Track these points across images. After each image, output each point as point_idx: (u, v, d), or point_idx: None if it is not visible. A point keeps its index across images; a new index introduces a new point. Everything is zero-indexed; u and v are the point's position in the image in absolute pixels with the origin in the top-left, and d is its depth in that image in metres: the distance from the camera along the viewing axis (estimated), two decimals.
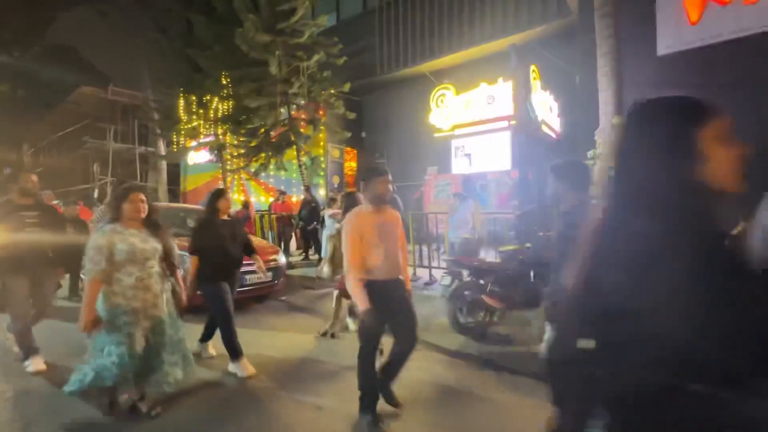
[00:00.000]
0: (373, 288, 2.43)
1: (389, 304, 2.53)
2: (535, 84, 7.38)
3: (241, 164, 12.37)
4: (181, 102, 13.08)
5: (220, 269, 3.35)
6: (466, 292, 4.16)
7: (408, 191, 9.66)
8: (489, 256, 5.55)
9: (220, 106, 11.76)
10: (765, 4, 5.97)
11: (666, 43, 6.70)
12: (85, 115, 18.62)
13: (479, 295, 4.12)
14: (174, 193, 18.98)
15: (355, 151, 13.37)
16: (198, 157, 17.29)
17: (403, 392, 2.82)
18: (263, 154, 10.96)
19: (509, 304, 4.34)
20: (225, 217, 3.51)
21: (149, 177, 18.20)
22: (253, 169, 11.66)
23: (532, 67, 7.35)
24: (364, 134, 13.39)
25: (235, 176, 15.13)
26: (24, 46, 24.22)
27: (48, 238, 3.42)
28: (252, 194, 14.97)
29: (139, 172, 17.68)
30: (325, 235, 6.38)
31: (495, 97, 10.21)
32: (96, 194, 15.12)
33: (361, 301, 2.37)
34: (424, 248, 6.73)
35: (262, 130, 10.81)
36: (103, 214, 3.87)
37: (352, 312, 4.42)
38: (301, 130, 9.93)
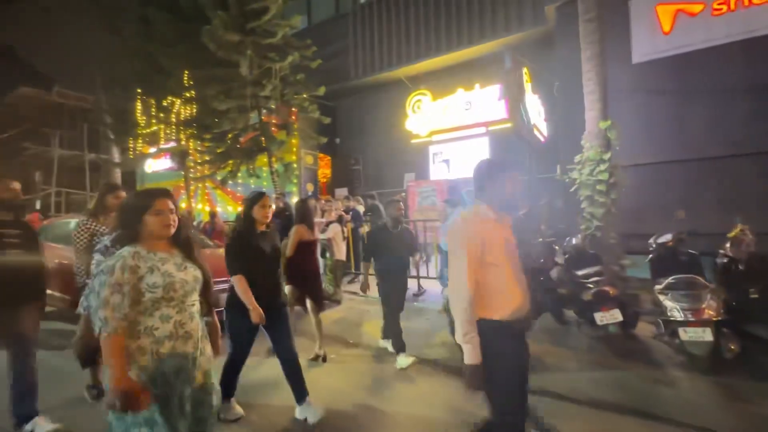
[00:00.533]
0: (505, 335, 1.71)
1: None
2: (527, 86, 7.35)
3: (206, 172, 11.59)
4: (139, 105, 12.12)
5: (260, 294, 2.63)
6: None
7: (386, 198, 9.34)
8: None
9: (182, 110, 10.95)
10: (731, 15, 6.27)
11: (641, 51, 6.88)
12: (26, 119, 16.87)
13: None
14: None
15: (329, 158, 12.92)
16: (157, 164, 16.14)
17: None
18: (231, 161, 10.28)
19: None
20: (263, 228, 2.82)
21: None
22: (219, 177, 10.93)
23: (525, 69, 7.32)
24: (338, 140, 12.99)
25: (199, 185, 14.22)
26: None
27: (32, 263, 2.73)
28: (218, 204, 14.09)
29: (89, 181, 16.19)
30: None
31: (472, 102, 10.19)
32: (38, 206, 13.62)
33: (472, 356, 1.64)
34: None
35: (230, 135, 10.15)
36: (87, 229, 2.96)
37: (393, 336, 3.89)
38: (274, 134, 9.38)
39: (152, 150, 13.93)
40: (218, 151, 9.92)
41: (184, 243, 1.78)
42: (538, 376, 3.18)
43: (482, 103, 10.01)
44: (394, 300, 3.96)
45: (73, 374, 3.16)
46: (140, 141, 12.57)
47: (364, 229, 7.43)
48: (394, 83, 11.55)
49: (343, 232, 6.44)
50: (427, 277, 6.32)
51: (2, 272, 2.56)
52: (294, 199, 11.56)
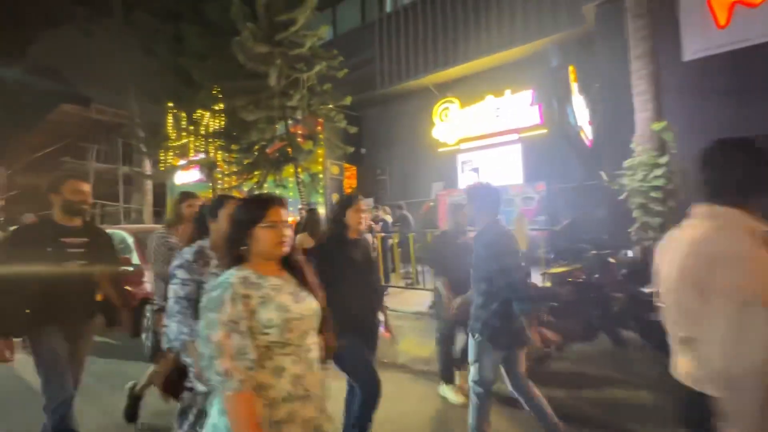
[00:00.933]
0: None
1: None
2: (573, 87, 6.95)
3: (233, 183, 11.66)
4: (170, 118, 12.43)
5: (355, 310, 2.15)
6: None
7: (413, 209, 9.03)
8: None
9: (211, 122, 11.12)
10: None
11: (693, 48, 6.39)
12: (66, 134, 17.67)
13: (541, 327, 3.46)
14: (160, 216, 17.99)
15: (355, 168, 12.79)
16: (186, 177, 16.49)
17: None
18: (258, 172, 10.28)
19: (567, 336, 3.71)
20: (356, 236, 2.38)
21: (133, 199, 17.25)
22: (246, 188, 10.96)
23: (570, 68, 6.94)
24: (363, 150, 12.85)
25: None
26: (5, 66, 23.37)
27: (99, 274, 2.40)
28: None
29: (122, 194, 16.69)
30: None
31: (502, 109, 9.85)
32: None
33: None
34: None
35: (257, 147, 10.18)
36: (166, 243, 2.68)
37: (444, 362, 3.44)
38: (301, 144, 9.30)
39: (182, 162, 14.28)
40: (246, 162, 9.92)
41: (293, 264, 1.36)
42: (611, 410, 2.77)
43: (513, 109, 9.65)
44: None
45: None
46: (170, 154, 12.87)
47: (393, 239, 7.15)
48: (420, 92, 11.35)
49: (372, 243, 6.19)
50: None
51: (57, 287, 2.20)
52: (321, 209, 11.46)
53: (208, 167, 12.45)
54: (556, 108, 6.53)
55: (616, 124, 6.44)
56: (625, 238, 5.30)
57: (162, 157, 12.84)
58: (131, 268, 4.46)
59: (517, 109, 9.58)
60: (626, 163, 5.36)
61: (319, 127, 10.41)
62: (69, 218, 2.32)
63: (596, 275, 4.31)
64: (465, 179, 10.09)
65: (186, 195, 2.86)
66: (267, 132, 8.90)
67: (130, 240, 4.78)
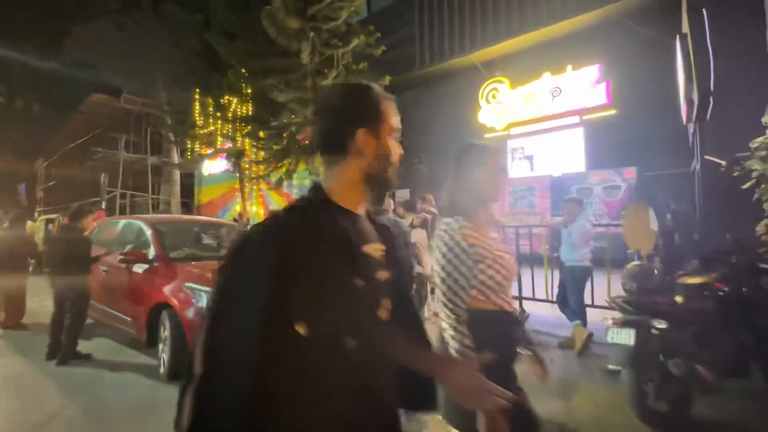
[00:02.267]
0: None
1: None
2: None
3: (261, 172, 11.02)
4: (197, 105, 11.91)
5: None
6: (672, 360, 2.50)
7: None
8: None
9: (239, 107, 10.47)
10: None
11: None
12: (97, 125, 17.63)
13: (691, 362, 2.47)
14: (188, 207, 17.75)
15: None
16: (213, 167, 16.10)
17: None
18: (287, 161, 9.53)
19: (719, 371, 2.71)
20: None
21: (162, 190, 17.04)
22: (274, 178, 10.26)
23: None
24: (401, 138, 11.91)
25: (254, 186, 13.81)
26: (40, 59, 23.84)
27: None
28: (271, 206, 13.57)
29: (150, 184, 16.47)
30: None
31: (562, 88, 8.67)
32: (103, 206, 13.90)
33: None
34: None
35: (285, 135, 9.43)
36: None
37: None
38: None
39: (210, 151, 13.83)
40: (275, 147, 9.20)
41: None
42: None
43: (575, 87, 8.46)
44: None
45: None
46: (198, 142, 12.40)
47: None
48: (465, 71, 10.28)
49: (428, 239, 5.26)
50: (534, 298, 4.94)
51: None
52: None
53: (236, 156, 11.87)
54: (684, 82, 5.33)
55: (724, 100, 5.22)
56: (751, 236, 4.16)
57: (189, 146, 12.34)
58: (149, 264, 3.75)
59: (579, 87, 8.38)
60: (755, 143, 4.20)
61: None
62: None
63: (744, 287, 3.23)
64: (516, 169, 8.99)
65: None
66: (299, 114, 8.10)
67: (149, 232, 4.08)
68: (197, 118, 11.86)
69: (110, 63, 21.65)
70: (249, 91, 9.47)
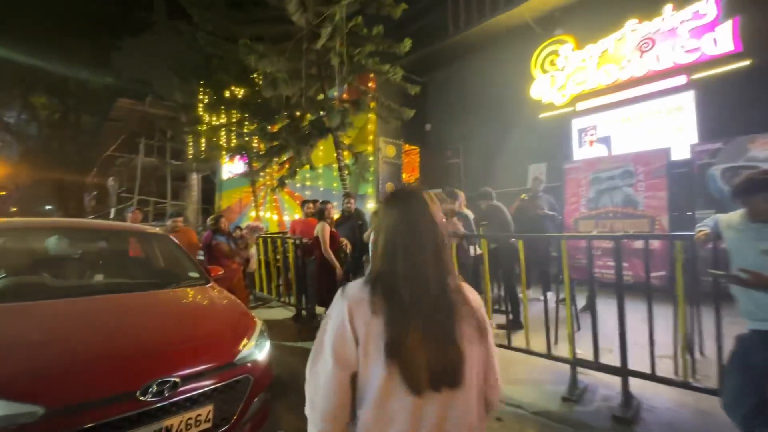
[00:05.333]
0: None
1: None
2: None
3: (275, 174, 9.46)
4: (201, 96, 10.70)
5: None
6: None
7: (505, 200, 5.73)
8: None
9: (238, 92, 8.98)
10: None
11: None
12: (123, 129, 17.30)
13: None
14: (208, 213, 16.78)
15: (417, 149, 9.73)
16: (232, 170, 14.98)
17: None
18: (284, 155, 7.75)
19: None
20: None
21: (183, 196, 16.21)
22: (277, 177, 8.57)
23: None
24: (428, 127, 9.75)
25: (268, 190, 12.32)
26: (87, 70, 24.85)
27: None
28: (285, 211, 11.92)
29: (169, 190, 15.63)
30: None
31: (656, 39, 6.06)
32: (112, 214, 13.09)
33: None
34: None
35: (277, 126, 7.69)
36: None
37: None
38: (335, 106, 6.48)
39: (222, 154, 12.60)
40: (270, 129, 7.47)
41: None
42: None
43: (678, 35, 5.83)
44: None
45: None
46: (204, 136, 11.19)
47: (483, 247, 3.94)
48: (511, 33, 7.93)
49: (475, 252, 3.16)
50: (652, 375, 2.55)
51: None
52: (369, 204, 8.63)
53: (239, 152, 10.41)
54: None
55: None
56: None
57: (190, 142, 11.11)
58: None
59: (686, 33, 5.75)
60: None
61: (371, 84, 7.55)
62: None
63: None
64: (588, 155, 6.46)
65: None
66: (286, 88, 6.22)
67: None
68: (201, 113, 10.60)
69: (136, 69, 21.84)
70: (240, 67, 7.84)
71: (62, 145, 29.87)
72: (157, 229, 3.74)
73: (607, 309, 2.80)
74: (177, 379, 1.84)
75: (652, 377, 2.50)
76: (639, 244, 3.31)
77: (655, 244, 3.11)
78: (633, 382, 2.65)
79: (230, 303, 2.71)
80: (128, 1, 23.76)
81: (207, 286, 2.97)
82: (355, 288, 0.92)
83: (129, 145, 17.25)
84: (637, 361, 2.65)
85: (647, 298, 2.58)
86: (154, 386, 1.76)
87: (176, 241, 3.97)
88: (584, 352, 2.99)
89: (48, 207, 29.22)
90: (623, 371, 2.56)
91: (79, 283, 2.56)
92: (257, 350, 2.35)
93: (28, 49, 23.50)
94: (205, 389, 1.93)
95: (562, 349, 3.09)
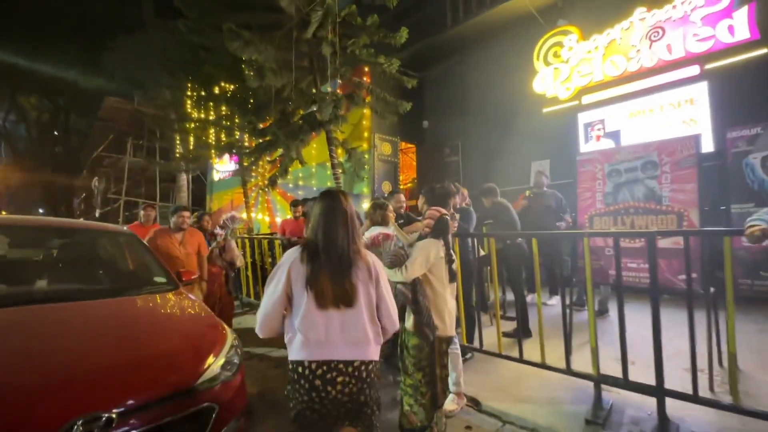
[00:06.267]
0: None
1: None
2: None
3: (267, 173, 9.07)
4: (189, 94, 10.28)
5: None
6: None
7: (507, 198, 5.35)
8: None
9: (227, 87, 8.58)
10: None
11: None
12: (111, 129, 16.78)
13: None
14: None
15: (414, 147, 9.36)
16: (224, 169, 14.54)
17: None
18: (275, 152, 7.35)
19: None
20: None
21: (176, 198, 15.72)
22: (268, 176, 8.16)
23: None
24: (426, 124, 9.39)
25: (260, 191, 11.90)
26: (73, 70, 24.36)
27: None
28: (278, 212, 11.50)
29: (158, 191, 15.14)
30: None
31: (666, 28, 5.75)
32: (97, 213, 12.60)
33: None
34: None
35: (267, 122, 7.29)
36: None
37: None
38: (326, 98, 6.08)
39: (211, 152, 12.16)
40: (262, 125, 7.08)
41: None
42: None
43: (690, 23, 5.52)
44: None
45: None
46: (191, 132, 10.75)
47: (490, 248, 3.57)
48: (513, 24, 7.61)
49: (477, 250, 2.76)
50: (694, 397, 2.18)
51: None
52: (364, 205, 8.25)
53: (233, 151, 9.99)
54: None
55: None
56: None
57: (178, 140, 10.69)
58: None
59: (698, 21, 5.44)
60: None
61: (366, 78, 7.18)
62: None
63: None
64: (595, 149, 6.11)
65: None
66: (273, 78, 5.82)
67: None
68: (189, 110, 10.18)
69: (125, 68, 21.41)
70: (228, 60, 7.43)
71: (52, 147, 29.27)
72: (124, 228, 3.33)
73: (627, 315, 2.42)
74: (112, 415, 1.43)
75: (694, 398, 2.12)
76: (665, 242, 2.95)
77: (682, 243, 2.74)
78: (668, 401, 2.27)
79: (197, 313, 2.31)
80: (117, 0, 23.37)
81: (174, 292, 2.56)
82: (295, 250, 1.50)
83: (118, 145, 16.74)
84: (668, 376, 2.27)
85: (687, 304, 2.21)
86: (79, 426, 1.36)
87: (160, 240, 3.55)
88: (604, 365, 2.62)
89: (41, 210, 28.54)
90: (660, 391, 2.18)
91: (12, 290, 2.14)
92: (226, 370, 1.95)
93: (14, 48, 23.00)
94: (152, 425, 1.52)
95: (579, 362, 2.71)
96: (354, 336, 1.44)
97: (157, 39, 14.60)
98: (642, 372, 2.44)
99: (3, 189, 27.16)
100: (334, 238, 1.47)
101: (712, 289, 2.78)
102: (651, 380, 2.27)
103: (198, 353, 1.90)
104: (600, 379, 2.46)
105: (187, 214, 3.76)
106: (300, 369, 1.42)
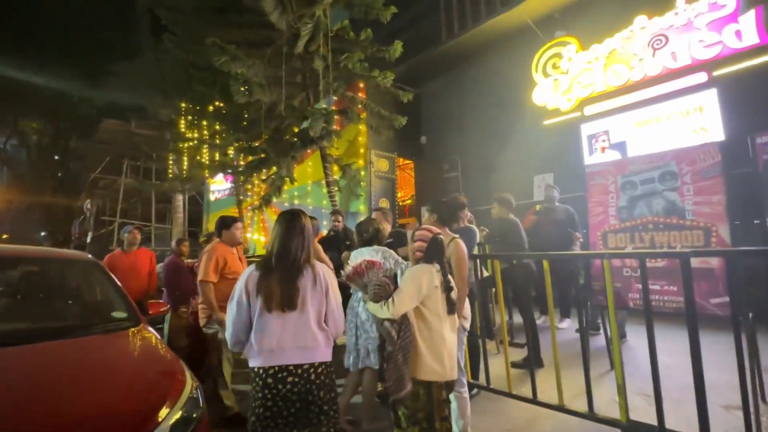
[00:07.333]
0: None
1: None
2: None
3: (261, 191, 8.84)
4: (182, 114, 10.16)
5: None
6: None
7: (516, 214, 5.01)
8: None
9: (220, 105, 8.43)
10: None
11: None
12: (108, 151, 16.67)
13: None
14: (195, 236, 16.00)
15: (412, 163, 9.12)
16: (219, 190, 14.32)
17: None
18: (270, 171, 7.10)
19: None
20: None
21: (173, 220, 15.47)
22: (263, 194, 7.90)
23: None
24: (424, 139, 9.18)
25: (255, 210, 11.64)
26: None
27: None
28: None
29: (154, 212, 14.89)
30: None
31: (669, 36, 5.55)
32: (89, 238, 12.32)
33: None
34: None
35: (260, 140, 7.10)
36: None
37: None
38: (326, 110, 5.84)
39: (205, 172, 11.97)
40: (253, 144, 6.86)
41: None
42: None
43: (695, 28, 5.32)
44: None
45: None
46: (185, 151, 10.58)
47: (494, 268, 3.25)
48: (510, 36, 7.47)
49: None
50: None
51: None
52: (359, 220, 7.93)
53: (229, 171, 9.78)
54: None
55: None
56: None
57: (171, 160, 10.50)
58: None
59: (703, 27, 5.24)
60: None
61: (361, 94, 6.99)
62: None
63: None
64: (600, 161, 5.81)
65: None
66: (265, 95, 5.61)
67: None
68: (182, 129, 10.03)
69: (124, 91, 21.58)
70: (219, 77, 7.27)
71: (52, 170, 29.31)
72: (89, 256, 3.01)
73: (639, 340, 2.07)
74: None
75: None
76: (692, 262, 2.61)
77: (712, 263, 2.41)
78: None
79: (153, 357, 1.96)
80: (115, 24, 23.78)
81: (134, 329, 2.23)
82: (252, 266, 1.68)
83: (115, 166, 16.60)
84: (692, 413, 1.89)
85: (735, 334, 1.86)
86: None
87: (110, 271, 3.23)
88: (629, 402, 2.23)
89: (42, 233, 28.32)
90: None
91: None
92: (181, 426, 1.61)
93: (18, 70, 23.28)
94: None
95: (600, 398, 2.34)
96: (303, 342, 1.59)
97: (152, 60, 14.68)
98: (672, 410, 2.06)
99: (4, 212, 27.04)
100: (289, 246, 1.64)
101: (750, 314, 2.43)
102: (684, 420, 1.89)
103: (144, 409, 1.55)
104: (630, 427, 2.08)
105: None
106: (256, 371, 1.59)
